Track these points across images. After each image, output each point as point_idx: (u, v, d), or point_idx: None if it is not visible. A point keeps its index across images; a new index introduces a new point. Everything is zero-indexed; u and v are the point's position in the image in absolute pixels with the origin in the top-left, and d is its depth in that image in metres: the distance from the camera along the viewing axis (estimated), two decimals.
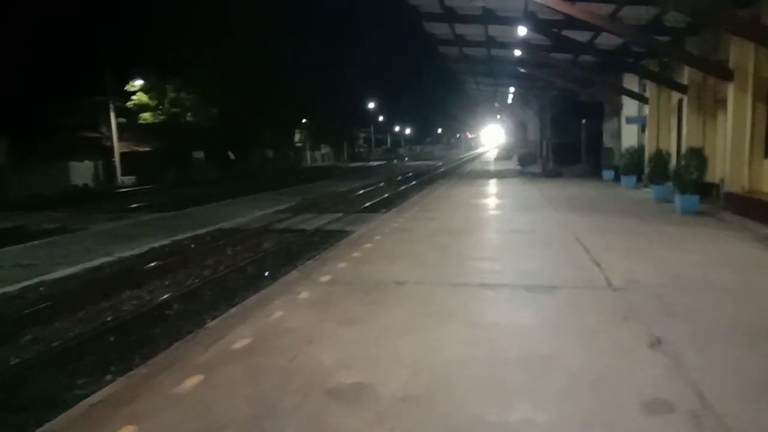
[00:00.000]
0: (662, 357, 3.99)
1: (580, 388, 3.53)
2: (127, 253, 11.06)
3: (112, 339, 6.45)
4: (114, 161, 35.06)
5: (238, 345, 4.45)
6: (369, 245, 8.70)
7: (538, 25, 15.70)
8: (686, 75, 14.79)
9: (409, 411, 3.29)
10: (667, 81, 16.61)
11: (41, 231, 14.33)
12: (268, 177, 36.61)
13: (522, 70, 24.90)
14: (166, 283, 8.95)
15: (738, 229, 9.59)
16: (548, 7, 12.91)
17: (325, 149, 70.40)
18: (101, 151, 35.14)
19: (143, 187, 32.81)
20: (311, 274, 6.85)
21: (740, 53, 11.52)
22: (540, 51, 19.67)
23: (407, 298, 5.66)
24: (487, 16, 15.85)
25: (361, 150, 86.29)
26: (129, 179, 35.56)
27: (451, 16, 16.10)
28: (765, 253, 7.61)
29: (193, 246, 12.13)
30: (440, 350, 4.20)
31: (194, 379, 3.84)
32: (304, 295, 5.84)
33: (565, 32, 16.67)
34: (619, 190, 17.33)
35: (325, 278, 6.57)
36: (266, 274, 9.27)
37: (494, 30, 18.04)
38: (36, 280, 9.10)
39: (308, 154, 65.37)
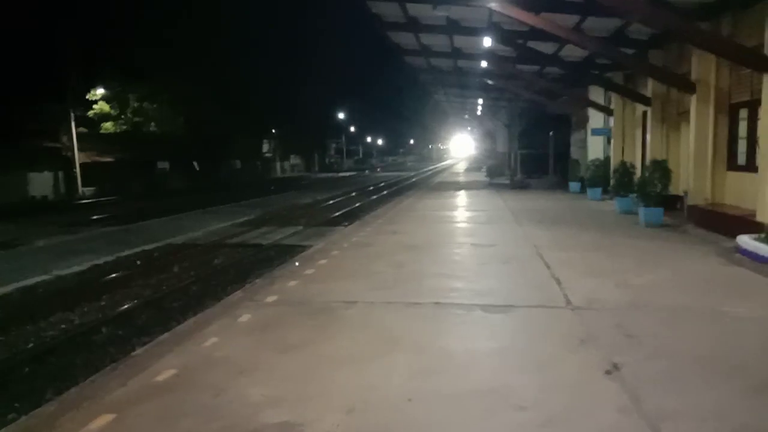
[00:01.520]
0: (619, 386, 3.71)
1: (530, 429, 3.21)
2: (66, 271, 10.45)
3: (26, 370, 5.92)
4: (75, 172, 34.02)
5: (160, 378, 4.03)
6: (324, 261, 8.32)
7: (503, 35, 15.62)
8: (650, 87, 14.82)
9: None
10: (631, 93, 16.68)
11: None
12: (233, 188, 35.89)
13: (489, 82, 24.93)
14: (102, 304, 8.41)
15: (700, 242, 9.48)
16: (513, 18, 12.79)
17: (295, 160, 69.73)
18: (61, 161, 34.06)
19: (104, 198, 31.85)
20: (257, 294, 6.44)
21: (702, 66, 11.53)
22: (506, 62, 19.65)
23: (355, 321, 5.30)
24: (452, 27, 15.72)
25: (332, 161, 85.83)
26: (90, 190, 34.53)
27: (414, 25, 15.91)
28: (726, 268, 7.46)
29: (138, 263, 11.56)
30: (380, 384, 3.84)
31: (103, 419, 3.42)
32: (245, 318, 5.43)
33: (531, 43, 16.64)
34: (584, 203, 17.26)
35: (270, 299, 6.17)
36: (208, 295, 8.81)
37: (460, 41, 17.92)
38: None
39: (278, 164, 64.65)
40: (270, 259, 11.35)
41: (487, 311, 5.55)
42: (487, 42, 16.23)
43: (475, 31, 15.70)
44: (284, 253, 11.69)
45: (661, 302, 5.81)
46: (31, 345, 6.77)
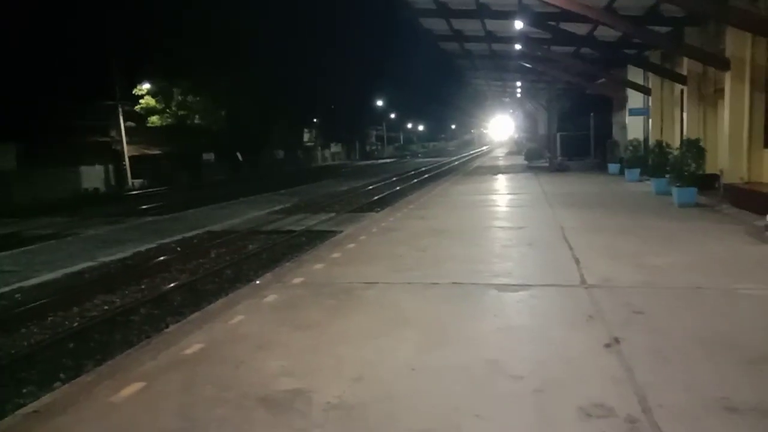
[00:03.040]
0: (615, 358, 3.87)
1: (525, 396, 3.42)
2: (109, 258, 11.15)
3: (71, 345, 6.47)
4: (124, 165, 35.43)
5: (188, 351, 4.39)
6: (351, 245, 8.62)
7: (535, 18, 15.53)
8: (685, 66, 14.52)
9: (336, 420, 3.20)
10: (667, 72, 16.35)
11: (34, 237, 14.53)
12: (275, 177, 36.70)
13: (525, 65, 24.68)
14: (142, 287, 9.02)
15: (732, 221, 9.35)
16: (541, 0, 12.74)
17: (335, 148, 70.43)
18: (112, 155, 35.55)
19: (152, 189, 33.09)
20: (284, 276, 6.79)
21: (737, 42, 11.27)
22: (540, 44, 19.48)
23: (372, 301, 5.57)
24: (482, 11, 15.70)
25: (373, 148, 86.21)
26: (139, 182, 35.91)
27: (444, 11, 15.95)
28: (755, 247, 7.39)
29: (178, 249, 12.18)
30: (388, 357, 4.10)
31: (134, 387, 3.79)
32: (270, 298, 5.77)
33: (563, 25, 16.47)
34: (621, 184, 17.04)
35: (297, 280, 6.50)
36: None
37: (492, 25, 17.87)
38: (14, 286, 9.24)
39: (319, 153, 65.45)
40: (301, 244, 11.78)
41: (502, 290, 5.73)
42: (519, 24, 16.16)
43: (506, 15, 15.65)
44: (315, 238, 12.09)
45: (677, 281, 5.86)
46: (75, 324, 7.36)
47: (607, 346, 4.10)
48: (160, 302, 8.11)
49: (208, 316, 5.32)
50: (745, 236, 8.07)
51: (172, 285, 9.01)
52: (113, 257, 11.34)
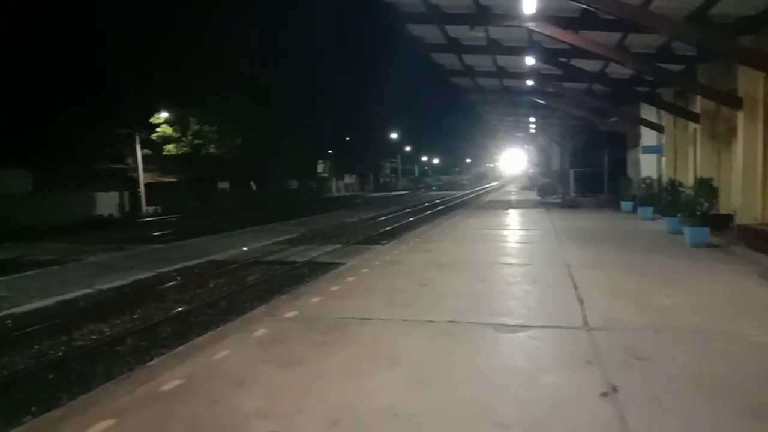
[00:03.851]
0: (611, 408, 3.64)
1: None
2: (107, 286, 11.08)
3: (51, 376, 6.33)
4: (139, 192, 35.72)
5: (166, 387, 4.23)
6: (352, 278, 8.45)
7: (545, 54, 15.52)
8: (698, 104, 14.37)
9: None
10: (680, 110, 16.20)
11: (33, 262, 14.54)
12: (286, 207, 36.77)
13: (538, 101, 24.67)
14: (134, 317, 8.92)
15: (744, 263, 9.06)
16: (552, 37, 12.72)
17: (349, 179, 70.73)
18: (127, 182, 35.90)
19: (165, 216, 33.25)
20: (278, 309, 6.63)
21: (749, 81, 11.13)
22: (552, 80, 19.46)
23: (364, 338, 5.38)
24: (493, 46, 15.73)
25: (387, 180, 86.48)
26: (154, 209, 36.13)
27: (456, 46, 16.01)
28: (765, 290, 7.11)
29: (177, 278, 12.09)
30: (371, 399, 3.91)
31: (104, 424, 3.63)
32: (260, 332, 5.61)
33: (574, 61, 16.43)
34: (633, 222, 16.75)
35: (290, 314, 6.33)
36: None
37: (503, 60, 17.92)
38: (5, 312, 9.19)
39: (333, 183, 65.74)
40: (302, 276, 11.63)
41: (499, 331, 5.51)
42: (530, 61, 16.17)
43: (516, 51, 15.68)
44: (317, 269, 11.94)
45: (683, 324, 5.62)
46: (60, 353, 7.24)
47: (604, 395, 3.87)
48: (149, 333, 8.00)
49: (193, 350, 5.16)
50: (758, 278, 7.78)
51: (164, 316, 8.89)
52: (110, 285, 11.26)
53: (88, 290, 10.81)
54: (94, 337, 7.89)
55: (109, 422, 3.66)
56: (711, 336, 5.25)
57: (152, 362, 5.10)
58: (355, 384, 4.20)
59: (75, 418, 3.75)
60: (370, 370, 4.47)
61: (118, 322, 8.65)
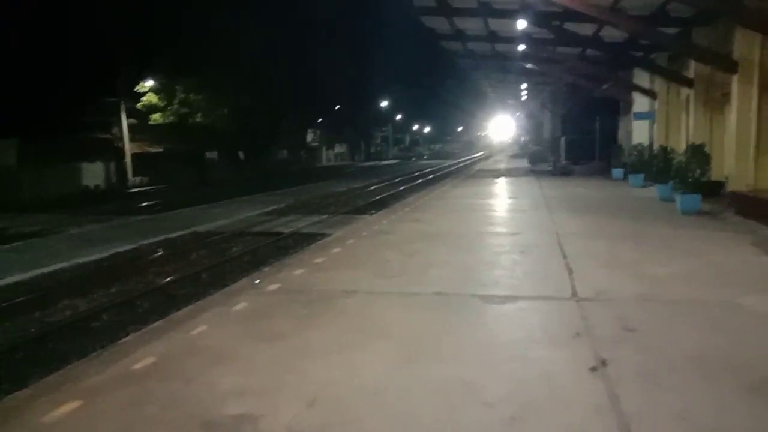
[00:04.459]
0: (600, 383, 3.50)
1: (497, 425, 3.06)
2: (86, 259, 10.82)
3: (19, 354, 6.14)
4: (125, 162, 35.15)
5: (138, 366, 4.04)
6: (337, 250, 8.27)
7: (538, 17, 15.16)
8: (693, 69, 14.11)
9: None
10: (674, 75, 15.94)
11: (16, 234, 14.23)
12: (275, 177, 36.37)
13: (529, 66, 24.30)
14: (112, 291, 8.68)
15: (737, 230, 8.94)
16: None
17: (340, 148, 70.12)
18: (113, 152, 35.25)
19: (152, 187, 32.81)
20: (261, 281, 6.44)
21: (746, 44, 10.88)
22: (544, 45, 19.09)
23: (349, 310, 5.22)
24: (484, 9, 15.33)
25: (378, 149, 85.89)
26: (141, 180, 35.62)
27: (446, 8, 15.59)
28: (758, 258, 7.00)
29: (158, 250, 11.83)
30: (353, 375, 3.75)
31: (70, 405, 3.45)
32: (240, 306, 5.43)
33: (568, 25, 16.09)
34: (624, 189, 16.64)
35: (273, 287, 6.15)
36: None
37: (495, 24, 17.51)
38: None
39: (323, 153, 65.17)
40: (287, 247, 11.45)
41: (486, 301, 5.37)
42: (522, 24, 15.80)
43: (508, 13, 15.30)
44: (302, 241, 11.74)
45: (674, 294, 5.49)
46: (33, 330, 7.02)
47: (593, 369, 3.73)
48: (126, 308, 7.78)
49: (171, 325, 4.98)
50: (751, 247, 7.67)
51: (144, 288, 8.69)
52: (90, 258, 11.00)
53: (66, 264, 10.51)
54: (68, 312, 7.67)
55: (77, 403, 3.48)
56: (705, 305, 5.13)
57: (127, 339, 4.91)
58: (336, 359, 4.04)
59: (42, 399, 3.56)
60: (353, 344, 4.31)
61: (95, 297, 8.41)
